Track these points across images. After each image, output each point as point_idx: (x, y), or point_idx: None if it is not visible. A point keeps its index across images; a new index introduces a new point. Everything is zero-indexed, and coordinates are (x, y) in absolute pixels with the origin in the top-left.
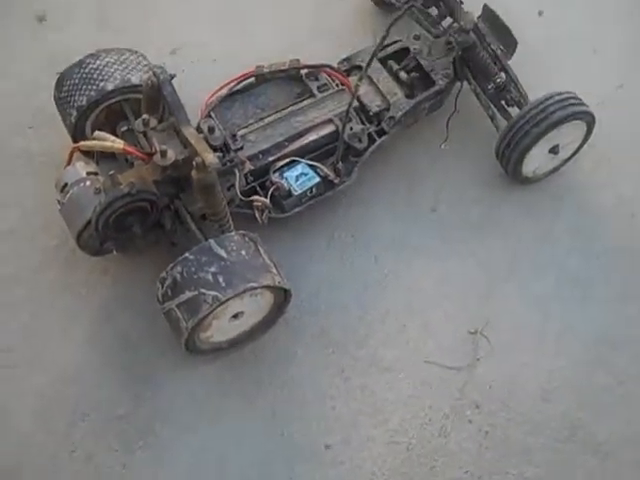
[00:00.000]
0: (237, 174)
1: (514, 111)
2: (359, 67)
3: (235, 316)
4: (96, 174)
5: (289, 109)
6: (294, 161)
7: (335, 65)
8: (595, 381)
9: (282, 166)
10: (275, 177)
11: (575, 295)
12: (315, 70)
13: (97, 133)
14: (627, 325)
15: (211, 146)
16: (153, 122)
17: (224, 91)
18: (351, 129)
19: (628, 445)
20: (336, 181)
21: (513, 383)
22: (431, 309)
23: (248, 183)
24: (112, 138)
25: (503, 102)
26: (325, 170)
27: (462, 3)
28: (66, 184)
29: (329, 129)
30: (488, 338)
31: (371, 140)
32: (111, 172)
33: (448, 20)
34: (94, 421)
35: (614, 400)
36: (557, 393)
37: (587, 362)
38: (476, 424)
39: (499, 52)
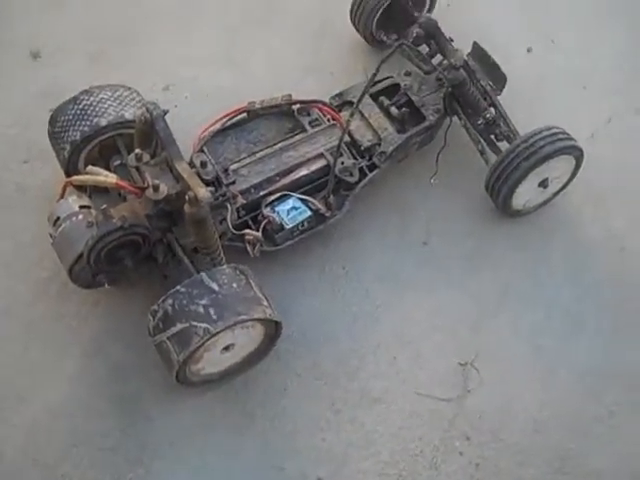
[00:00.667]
0: (229, 208)
1: (504, 145)
2: (350, 103)
3: (226, 348)
4: (89, 208)
5: (281, 144)
6: (286, 195)
7: (327, 101)
8: (586, 412)
9: (274, 200)
10: (267, 211)
11: (565, 327)
12: (307, 105)
13: (90, 168)
14: (618, 357)
15: (203, 180)
16: (146, 157)
17: (217, 126)
18: (342, 163)
19: (619, 476)
20: (327, 215)
21: (503, 414)
22: (422, 341)
23: (240, 217)
24: (105, 173)
25: (493, 137)
26: (316, 204)
27: (452, 41)
28: (58, 218)
29: (320, 164)
30: (478, 370)
31: (362, 174)
32: (103, 206)
33: (439, 57)
34: (83, 453)
35: (605, 431)
36: (548, 424)
37: (578, 393)
38: (467, 456)
39: (488, 88)
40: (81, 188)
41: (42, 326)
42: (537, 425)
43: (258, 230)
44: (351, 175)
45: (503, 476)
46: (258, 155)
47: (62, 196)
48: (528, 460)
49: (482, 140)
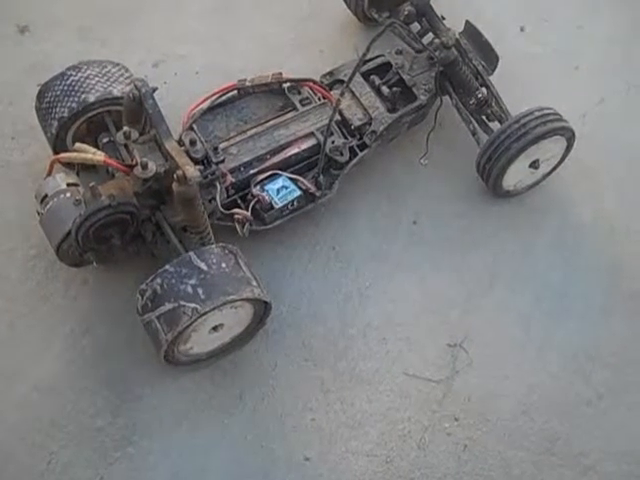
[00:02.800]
0: (218, 187)
1: (495, 126)
2: (341, 81)
3: (215, 328)
4: (76, 185)
5: (271, 122)
6: (275, 174)
7: (318, 79)
8: (575, 395)
9: (263, 179)
10: (256, 190)
11: (555, 309)
12: (298, 84)
13: (78, 145)
14: (607, 339)
15: (192, 159)
16: (134, 134)
17: (206, 104)
18: (333, 142)
19: (608, 459)
20: (317, 194)
21: (492, 396)
22: (411, 322)
23: (229, 196)
24: (93, 150)
25: (484, 117)
26: (306, 183)
27: (444, 19)
28: (46, 195)
29: (311, 142)
30: (467, 351)
31: (352, 154)
32: (91, 184)
33: (430, 36)
34: (71, 432)
35: (594, 413)
36: (536, 406)
37: (567, 376)
38: (455, 437)
39: (480, 67)
40: (69, 165)
41: (30, 304)
42: (525, 407)
43: (247, 209)
44: (341, 154)
45: (491, 457)
46: (248, 133)
47: (50, 173)
48: (516, 442)
49: (473, 120)
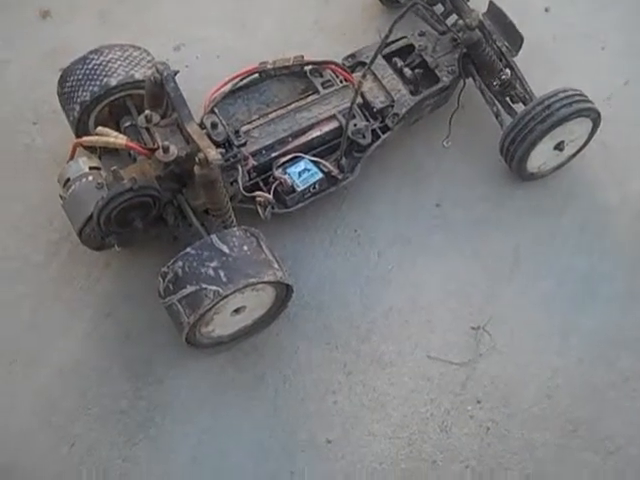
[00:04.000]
0: (240, 170)
1: (519, 108)
2: (364, 63)
3: (237, 311)
4: (99, 169)
5: (293, 105)
6: (297, 157)
7: (340, 62)
8: (599, 378)
9: (285, 162)
10: (278, 173)
11: (580, 293)
12: (319, 66)
13: (100, 129)
14: (632, 323)
15: (214, 142)
16: (156, 118)
17: (228, 87)
18: (355, 125)
19: (632, 442)
20: (339, 177)
21: (515, 379)
22: (434, 305)
23: (251, 179)
24: (115, 134)
25: (508, 99)
26: (328, 166)
27: (468, 0)
28: (69, 179)
29: (333, 125)
30: (491, 334)
31: (375, 136)
32: (113, 167)
33: (454, 17)
34: (95, 415)
35: (618, 397)
36: (560, 390)
37: (591, 359)
38: (477, 419)
39: (504, 49)
40: (91, 149)
41: (53, 288)
42: (549, 390)
43: (269, 192)
44: (363, 137)
45: (514, 440)
46: (270, 116)
47: (72, 157)
48: (539, 425)
49: (497, 102)
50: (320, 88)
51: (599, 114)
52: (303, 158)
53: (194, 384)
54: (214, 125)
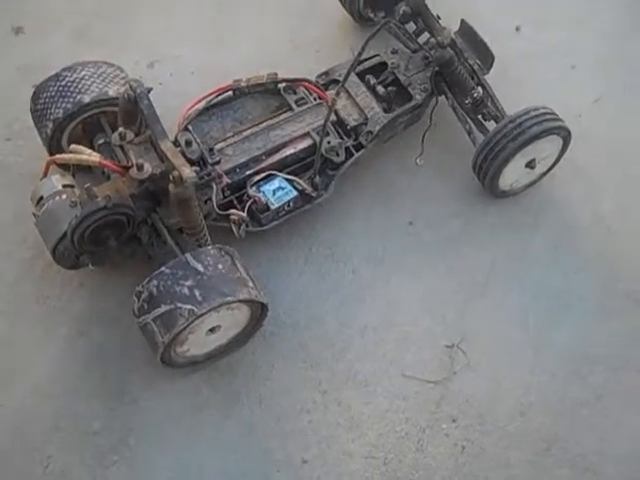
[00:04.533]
0: (214, 188)
1: (491, 125)
2: (337, 81)
3: (212, 330)
4: (72, 187)
5: (267, 123)
6: (271, 175)
7: (313, 79)
8: (573, 395)
9: (259, 180)
10: (252, 191)
11: (552, 310)
12: (293, 84)
13: (73, 146)
14: (605, 340)
15: (188, 160)
16: (130, 135)
17: (202, 104)
18: (328, 143)
19: (606, 460)
20: (313, 195)
21: (490, 397)
22: (408, 323)
23: (225, 197)
24: (88, 151)
25: (480, 116)
26: (302, 184)
27: (439, 19)
28: (42, 197)
29: (306, 143)
30: (465, 352)
31: (348, 154)
32: (87, 185)
33: (426, 35)
34: (69, 435)
35: (592, 414)
36: (534, 407)
37: (565, 376)
38: (453, 438)
39: (476, 67)
40: (64, 167)
41: (26, 307)
42: (523, 408)
43: (243, 210)
44: (337, 155)
45: (489, 459)
46: (244, 134)
47: (45, 175)
48: (514, 443)
49: (469, 120)
50: (294, 106)
51: (569, 132)
52: (277, 176)
53: (169, 404)
54: (188, 143)
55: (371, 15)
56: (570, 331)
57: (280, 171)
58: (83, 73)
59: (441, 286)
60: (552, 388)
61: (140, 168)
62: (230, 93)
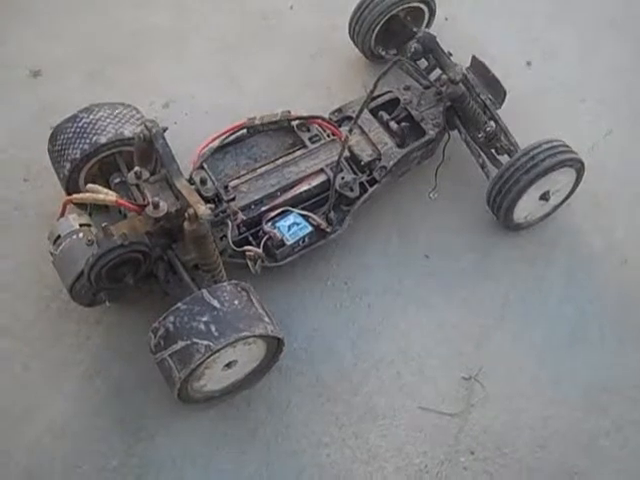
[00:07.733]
0: (229, 225)
1: (504, 159)
2: (350, 118)
3: (228, 365)
4: (89, 226)
5: (281, 160)
6: (286, 211)
7: (326, 116)
8: (592, 427)
9: (274, 216)
10: (267, 227)
11: (569, 341)
12: (307, 121)
13: (90, 186)
14: (623, 370)
15: (203, 197)
16: (145, 174)
17: (216, 143)
18: (343, 178)
19: None
20: (328, 230)
21: (508, 429)
22: (425, 355)
23: (241, 233)
24: (105, 191)
25: (493, 150)
26: (317, 219)
27: (451, 55)
28: (59, 236)
29: (321, 179)
30: (482, 384)
31: (363, 189)
32: (104, 224)
33: (438, 71)
34: (86, 473)
35: (612, 446)
36: (553, 439)
37: (583, 408)
38: (471, 471)
39: (488, 102)
40: (81, 206)
41: (43, 345)
42: (542, 440)
43: (259, 246)
44: (351, 190)
45: None
46: (258, 171)
47: (62, 214)
48: (534, 475)
49: (482, 154)
50: (308, 142)
51: (583, 164)
52: (292, 212)
53: (186, 440)
54: (203, 181)
55: (382, 53)
56: (587, 362)
57: (295, 207)
58: (100, 114)
59: (457, 318)
60: (571, 419)
61: (156, 206)
62: (244, 131)
